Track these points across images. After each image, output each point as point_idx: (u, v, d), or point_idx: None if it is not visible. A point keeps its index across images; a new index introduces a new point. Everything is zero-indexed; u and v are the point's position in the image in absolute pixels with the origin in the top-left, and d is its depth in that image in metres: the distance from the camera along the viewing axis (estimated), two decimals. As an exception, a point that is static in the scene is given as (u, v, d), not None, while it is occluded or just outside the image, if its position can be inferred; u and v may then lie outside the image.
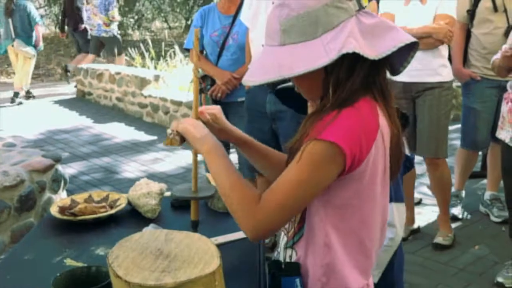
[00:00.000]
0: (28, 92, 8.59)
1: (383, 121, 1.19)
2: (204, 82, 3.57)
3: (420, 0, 3.36)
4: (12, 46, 8.22)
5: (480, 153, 4.33)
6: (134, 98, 7.50)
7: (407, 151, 1.84)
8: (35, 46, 8.36)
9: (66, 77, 8.68)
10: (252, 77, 1.18)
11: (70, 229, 1.74)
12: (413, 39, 1.17)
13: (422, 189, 4.39)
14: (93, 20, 8.89)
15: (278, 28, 1.16)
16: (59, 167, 4.09)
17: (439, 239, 3.53)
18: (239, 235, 1.64)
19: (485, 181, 4.37)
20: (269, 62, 1.16)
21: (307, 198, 1.16)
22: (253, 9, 3.01)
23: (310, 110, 1.48)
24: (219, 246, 1.61)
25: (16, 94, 8.27)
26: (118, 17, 9.21)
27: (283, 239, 1.34)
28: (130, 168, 5.32)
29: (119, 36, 9.21)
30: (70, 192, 4.43)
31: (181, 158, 5.47)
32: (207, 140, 1.30)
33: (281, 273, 1.26)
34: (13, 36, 8.11)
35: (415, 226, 3.74)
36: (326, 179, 1.14)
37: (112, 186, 4.81)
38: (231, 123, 3.58)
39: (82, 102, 8.38)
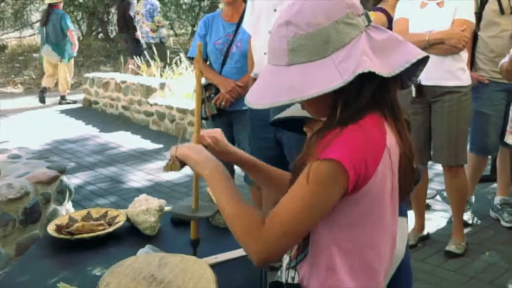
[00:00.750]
0: (62, 98, 8.97)
1: (391, 139, 1.14)
2: (209, 90, 3.55)
3: (437, 3, 3.27)
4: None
5: (489, 156, 4.26)
6: (140, 107, 7.49)
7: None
8: (64, 53, 8.65)
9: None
10: (261, 100, 1.13)
11: (67, 249, 1.71)
12: (424, 54, 1.14)
13: (431, 194, 4.32)
14: (142, 28, 9.53)
15: (285, 47, 1.11)
16: (64, 178, 4.07)
17: (452, 247, 3.46)
18: (240, 252, 1.60)
19: (495, 185, 4.29)
20: (277, 83, 1.11)
21: (312, 220, 1.12)
22: (255, 16, 2.98)
23: (306, 129, 1.44)
24: (219, 264, 1.58)
25: (62, 97, 8.92)
26: (164, 22, 9.61)
27: (285, 259, 1.30)
28: (136, 177, 5.30)
29: (163, 41, 9.69)
30: (75, 203, 4.42)
31: (188, 167, 5.42)
32: (208, 164, 1.27)
33: None
34: (44, 42, 8.60)
35: (425, 232, 3.68)
36: (330, 199, 1.10)
37: (118, 196, 4.79)
38: (235, 132, 3.56)
39: (88, 111, 8.39)
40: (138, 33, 9.65)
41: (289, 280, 1.25)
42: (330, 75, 1.07)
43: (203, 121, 3.67)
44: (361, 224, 1.15)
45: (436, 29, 3.19)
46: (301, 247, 1.22)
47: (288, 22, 1.11)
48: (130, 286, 1.05)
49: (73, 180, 5.03)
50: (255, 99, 1.14)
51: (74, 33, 8.70)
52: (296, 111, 1.44)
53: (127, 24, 9.59)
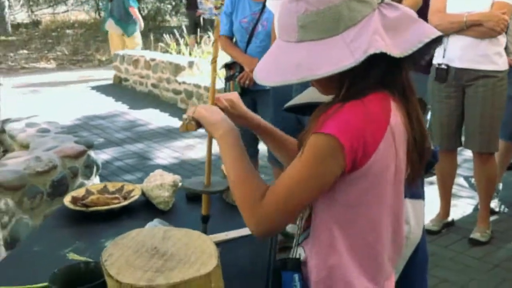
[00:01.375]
0: None
1: (396, 119, 1.11)
2: (233, 69, 3.54)
3: None
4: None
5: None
6: (168, 85, 7.54)
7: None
8: (126, 28, 8.81)
9: None
10: (269, 78, 1.11)
11: (82, 220, 1.74)
12: (439, 33, 1.09)
13: (458, 180, 4.23)
14: (204, 5, 9.62)
15: (295, 23, 1.08)
16: (92, 153, 4.14)
17: (476, 235, 3.40)
18: (252, 230, 1.60)
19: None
20: (286, 60, 1.09)
21: (310, 194, 1.11)
22: (280, -5, 2.93)
23: None
24: (230, 241, 1.59)
25: None
26: None
27: (295, 238, 1.29)
28: (162, 154, 5.35)
29: None
30: (103, 178, 4.49)
31: (213, 146, 5.45)
32: (222, 125, 1.26)
33: (282, 268, 1.21)
34: (108, 17, 8.84)
35: (449, 219, 3.61)
36: (327, 174, 1.08)
37: (144, 172, 4.84)
38: (259, 112, 3.54)
39: (118, 88, 8.48)
40: (200, 11, 10.01)
41: (296, 257, 1.24)
42: (340, 54, 1.04)
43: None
44: (360, 204, 1.13)
45: (475, 10, 3.09)
46: (305, 226, 1.21)
47: None
48: (132, 258, 1.05)
49: (101, 156, 5.11)
50: (263, 76, 1.12)
51: (136, 10, 8.98)
52: (312, 95, 1.41)
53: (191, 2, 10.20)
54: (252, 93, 3.45)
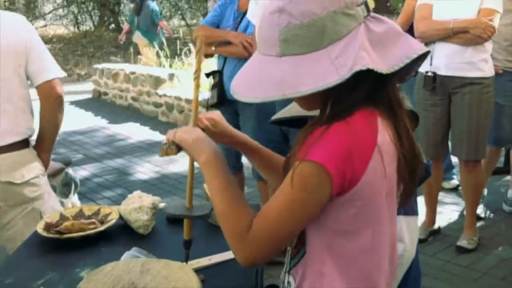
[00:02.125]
0: None
1: (384, 137, 1.05)
2: (215, 77, 3.48)
3: None
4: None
5: (503, 148, 4.14)
6: (149, 98, 7.45)
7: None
8: (152, 39, 9.34)
9: None
10: (252, 93, 1.04)
11: (56, 248, 1.65)
12: (425, 49, 1.05)
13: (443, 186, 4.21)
14: None
15: (276, 36, 1.02)
16: (70, 170, 4.04)
17: (463, 243, 3.36)
18: (236, 253, 1.53)
19: (508, 177, 4.18)
20: (267, 74, 1.02)
21: (297, 225, 1.06)
22: (260, 4, 2.89)
23: None
24: (213, 266, 1.51)
25: None
26: None
27: (285, 264, 1.23)
28: (143, 169, 5.26)
29: None
30: (82, 195, 4.39)
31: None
32: (205, 150, 1.19)
33: None
34: (136, 29, 9.47)
35: (436, 226, 3.58)
36: (316, 203, 1.02)
37: (125, 188, 4.74)
38: (241, 123, 3.46)
39: (98, 102, 8.37)
40: None
41: (286, 286, 1.18)
42: (325, 70, 0.98)
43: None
44: (352, 229, 1.07)
45: (461, 17, 3.06)
46: (294, 252, 1.15)
47: (281, 9, 1.02)
48: (107, 296, 0.98)
49: (80, 172, 5.00)
50: (245, 91, 1.05)
51: (165, 23, 9.60)
52: (300, 108, 1.36)
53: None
54: (233, 104, 3.39)
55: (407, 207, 1.64)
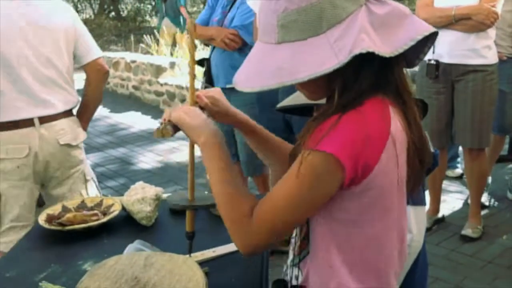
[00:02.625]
0: None
1: (396, 125, 1.02)
2: (204, 65, 3.47)
3: None
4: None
5: (507, 136, 4.11)
6: (150, 87, 7.41)
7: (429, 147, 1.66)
8: (179, 25, 9.38)
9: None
10: (249, 83, 1.01)
11: (58, 240, 1.63)
12: (432, 30, 1.00)
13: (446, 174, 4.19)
14: None
15: (274, 23, 0.98)
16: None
17: (468, 231, 3.34)
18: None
19: (512, 165, 4.17)
20: (266, 63, 0.99)
21: (303, 214, 1.03)
22: (259, -8, 2.85)
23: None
24: (217, 258, 1.49)
25: None
26: None
27: (289, 256, 1.20)
28: (146, 158, 5.24)
29: None
30: (84, 185, 4.38)
31: (198, 148, 5.36)
32: (204, 130, 1.15)
33: None
34: (164, 15, 9.51)
35: (440, 215, 3.56)
36: (324, 193, 1.00)
37: (127, 178, 4.73)
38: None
39: (99, 91, 8.32)
40: None
41: (293, 279, 1.16)
42: (323, 55, 0.94)
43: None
44: (363, 220, 1.04)
45: (463, 3, 3.02)
46: (304, 244, 1.12)
47: None
48: (110, 291, 0.96)
49: (82, 162, 4.98)
50: (243, 81, 1.03)
51: (185, 9, 9.52)
52: (304, 97, 1.32)
53: None
54: (223, 92, 3.36)
55: (415, 197, 1.61)
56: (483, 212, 3.59)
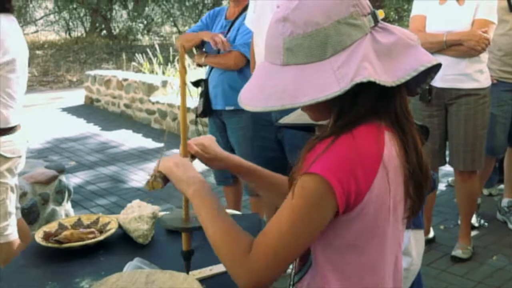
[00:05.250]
0: None
1: (390, 152, 1.03)
2: (201, 86, 3.48)
3: (457, 0, 3.10)
4: None
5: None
6: (142, 105, 7.42)
7: None
8: None
9: None
10: (253, 102, 1.03)
11: (55, 258, 1.63)
12: (436, 62, 1.03)
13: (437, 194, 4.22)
14: None
15: (280, 45, 1.01)
16: (63, 178, 4.01)
17: (458, 252, 3.37)
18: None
19: (502, 186, 4.20)
20: (270, 84, 1.01)
21: (303, 240, 1.02)
22: (257, 13, 2.89)
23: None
24: (215, 276, 1.50)
25: None
26: None
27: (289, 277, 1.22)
28: (137, 177, 5.22)
29: None
30: (75, 203, 4.36)
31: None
32: (192, 182, 1.18)
33: None
34: None
35: (430, 235, 3.58)
36: (320, 217, 1.00)
37: (119, 196, 4.72)
38: (229, 132, 3.44)
39: (90, 109, 8.32)
40: None
41: None
42: (326, 81, 0.96)
43: (198, 120, 3.60)
44: (356, 246, 1.05)
45: (455, 28, 3.06)
46: (299, 265, 1.13)
47: (285, 18, 1.01)
48: (112, 308, 0.96)
49: (73, 180, 4.97)
50: (247, 100, 1.05)
51: None
52: (304, 116, 1.35)
53: None
54: (220, 114, 3.38)
55: (415, 221, 1.63)
56: (473, 233, 3.62)
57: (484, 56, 3.15)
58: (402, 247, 1.17)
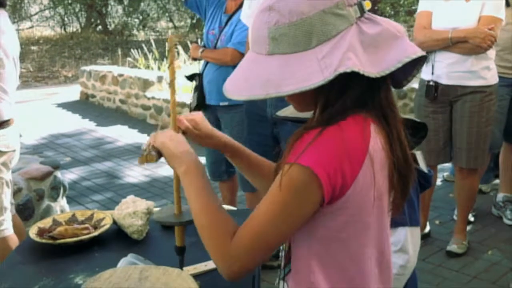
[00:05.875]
0: None
1: (375, 143, 1.03)
2: (195, 79, 3.48)
3: None
4: None
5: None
6: (137, 100, 7.40)
7: (424, 168, 1.68)
8: None
9: None
10: (238, 91, 1.03)
11: (50, 254, 1.62)
12: (421, 53, 1.01)
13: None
14: None
15: (266, 35, 1.01)
16: (58, 174, 4.00)
17: (453, 247, 3.37)
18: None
19: (497, 181, 4.21)
20: (255, 74, 1.01)
21: (285, 230, 1.02)
22: (253, 8, 2.88)
23: None
24: (210, 272, 1.50)
25: None
26: None
27: (279, 270, 1.22)
28: (133, 172, 5.21)
29: None
30: (70, 199, 4.35)
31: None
32: (185, 160, 1.16)
33: None
34: None
35: (426, 230, 3.59)
36: (304, 208, 1.00)
37: (114, 192, 4.71)
38: (224, 128, 3.43)
39: (85, 105, 8.29)
40: None
41: None
42: (310, 71, 0.96)
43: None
44: (340, 238, 1.05)
45: (461, 25, 3.03)
46: (287, 258, 1.13)
47: (270, 7, 1.00)
48: (106, 304, 0.96)
49: (68, 176, 4.95)
50: (232, 89, 1.05)
51: None
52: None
53: None
54: (215, 108, 3.37)
55: (412, 218, 1.64)
56: (468, 228, 3.62)
57: (491, 52, 3.11)
58: (390, 239, 1.16)
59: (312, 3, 0.98)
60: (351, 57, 0.95)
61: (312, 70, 0.96)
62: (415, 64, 1.05)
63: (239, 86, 1.04)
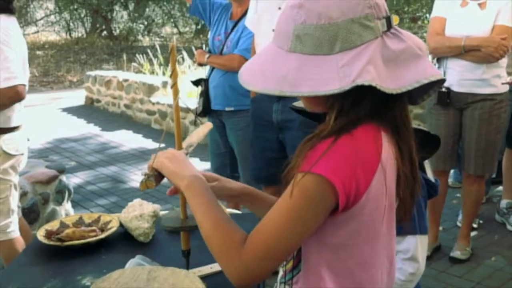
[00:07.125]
0: None
1: (387, 153, 1.04)
2: (201, 84, 3.49)
3: (479, 4, 3.07)
4: None
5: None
6: (142, 105, 7.44)
7: (431, 177, 1.70)
8: None
9: None
10: (253, 81, 1.02)
11: (57, 256, 1.64)
12: (440, 77, 1.02)
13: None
14: None
15: (291, 31, 1.00)
16: (64, 178, 4.03)
17: (456, 253, 3.37)
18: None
19: (500, 188, 4.22)
20: (273, 68, 1.01)
21: (297, 238, 1.02)
22: (258, 14, 2.90)
23: None
24: (215, 274, 1.51)
25: None
26: None
27: (279, 273, 1.22)
28: (137, 177, 5.23)
29: None
30: (75, 203, 4.37)
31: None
32: (186, 174, 1.16)
33: None
34: None
35: (438, 243, 3.53)
36: (317, 217, 1.00)
37: (119, 196, 4.73)
38: (228, 132, 3.44)
39: (90, 110, 8.34)
40: None
41: None
42: (328, 76, 0.96)
43: (197, 119, 3.61)
44: (352, 244, 1.05)
45: (474, 33, 3.03)
46: (296, 262, 1.14)
47: (301, 5, 1.00)
48: (115, 303, 0.98)
49: (73, 180, 4.98)
50: (248, 78, 1.04)
51: None
52: None
53: None
54: (220, 114, 3.39)
55: (422, 226, 1.66)
56: (472, 234, 3.62)
57: (503, 61, 3.10)
58: (395, 248, 1.17)
59: (343, 9, 0.98)
60: (370, 71, 0.95)
61: (330, 76, 0.96)
62: (433, 84, 1.05)
63: (255, 78, 1.03)
